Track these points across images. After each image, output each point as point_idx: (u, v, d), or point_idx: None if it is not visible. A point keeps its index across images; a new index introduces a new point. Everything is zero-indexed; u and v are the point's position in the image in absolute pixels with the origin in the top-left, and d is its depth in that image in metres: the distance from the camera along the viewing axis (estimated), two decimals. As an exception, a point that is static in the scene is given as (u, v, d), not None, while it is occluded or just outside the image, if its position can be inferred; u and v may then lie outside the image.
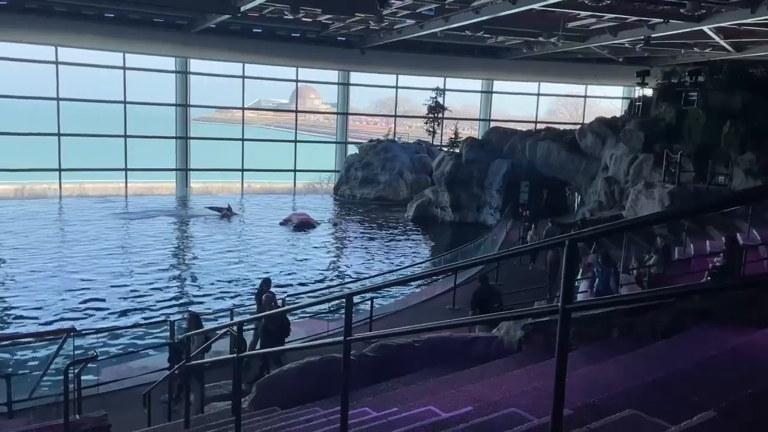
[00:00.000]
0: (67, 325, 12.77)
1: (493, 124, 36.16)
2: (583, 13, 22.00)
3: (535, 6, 19.76)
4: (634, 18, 22.17)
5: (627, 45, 27.59)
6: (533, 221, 20.54)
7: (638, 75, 26.60)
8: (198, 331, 8.42)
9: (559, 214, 22.82)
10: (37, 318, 14.79)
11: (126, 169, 32.12)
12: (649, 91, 26.19)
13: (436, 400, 4.88)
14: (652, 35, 23.34)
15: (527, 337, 7.16)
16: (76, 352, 9.75)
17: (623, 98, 40.91)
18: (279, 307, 10.66)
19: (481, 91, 40.08)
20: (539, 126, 35.33)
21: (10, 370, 10.28)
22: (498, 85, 40.00)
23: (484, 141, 29.83)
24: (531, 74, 37.53)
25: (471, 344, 7.52)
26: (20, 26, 26.50)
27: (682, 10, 19.42)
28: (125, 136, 31.77)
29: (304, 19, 26.60)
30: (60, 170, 30.67)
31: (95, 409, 8.36)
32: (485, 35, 28.01)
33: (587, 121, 31.12)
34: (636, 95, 27.89)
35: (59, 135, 30.12)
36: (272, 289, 12.63)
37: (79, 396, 7.97)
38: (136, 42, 29.26)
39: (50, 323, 14.23)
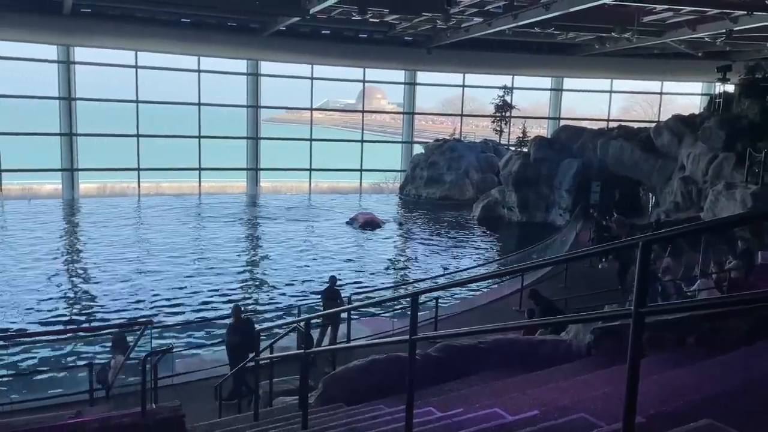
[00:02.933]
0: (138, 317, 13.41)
1: (562, 123, 35.32)
2: (660, 7, 21.17)
3: (608, 0, 19.17)
4: (715, 11, 21.15)
5: (707, 39, 26.35)
6: (605, 216, 20.09)
7: (719, 70, 25.26)
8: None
9: (632, 216, 22.04)
10: (117, 311, 15.57)
11: (200, 169, 33.35)
12: (730, 87, 24.85)
13: (501, 403, 4.82)
14: (735, 28, 22.18)
15: (596, 341, 6.96)
16: (153, 343, 10.21)
17: (702, 95, 39.09)
18: (245, 318, 10.29)
19: (551, 89, 39.22)
20: (611, 124, 34.24)
21: (92, 360, 10.87)
22: (568, 82, 39.03)
23: (554, 140, 29.16)
24: (603, 71, 36.44)
25: (538, 347, 7.38)
26: (102, 31, 27.99)
27: (767, 1, 18.37)
28: (199, 137, 33.00)
29: (371, 19, 26.85)
30: (138, 170, 32.21)
31: (170, 399, 8.74)
32: (555, 32, 27.40)
33: (663, 118, 29.86)
34: (716, 91, 26.50)
35: (138, 136, 31.63)
36: (337, 287, 12.82)
37: (155, 386, 8.33)
38: (210, 45, 30.34)
39: (131, 316, 14.97)
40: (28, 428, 5.87)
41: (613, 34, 26.20)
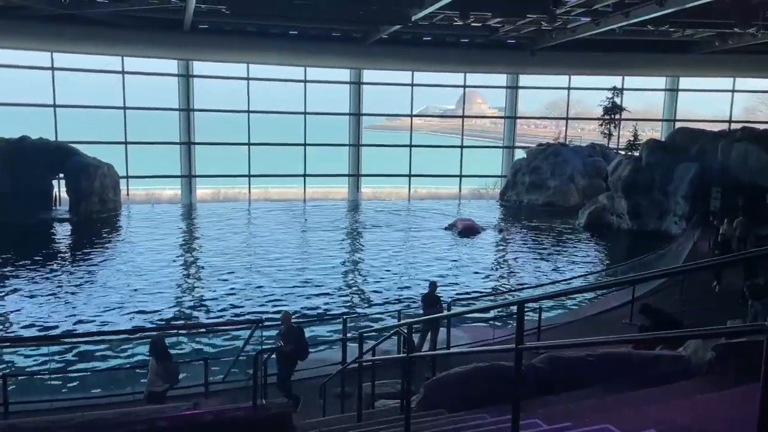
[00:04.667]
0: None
1: (678, 125, 33.30)
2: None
3: (731, -7, 17.90)
4: None
5: None
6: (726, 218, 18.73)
7: None
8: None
9: (758, 225, 20.32)
10: (229, 308, 16.43)
11: (305, 175, 34.54)
12: None
13: (613, 419, 4.59)
14: None
15: (718, 359, 6.47)
16: (264, 341, 10.65)
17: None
18: (294, 326, 9.92)
19: (665, 89, 37.09)
20: (734, 126, 31.86)
21: (207, 354, 11.51)
22: (685, 82, 36.74)
23: (668, 143, 27.53)
24: (724, 69, 34.02)
25: (652, 362, 6.97)
26: (218, 46, 29.75)
27: None
28: (305, 144, 34.19)
29: (473, 24, 26.66)
30: (249, 176, 33.85)
31: (278, 396, 9.09)
32: (670, 29, 25.94)
33: (794, 119, 27.40)
34: None
35: (249, 144, 33.27)
36: (437, 293, 12.79)
37: (265, 382, 8.67)
38: (315, 56, 31.38)
39: (241, 314, 15.76)
40: (149, 417, 6.30)
41: (735, 29, 24.43)
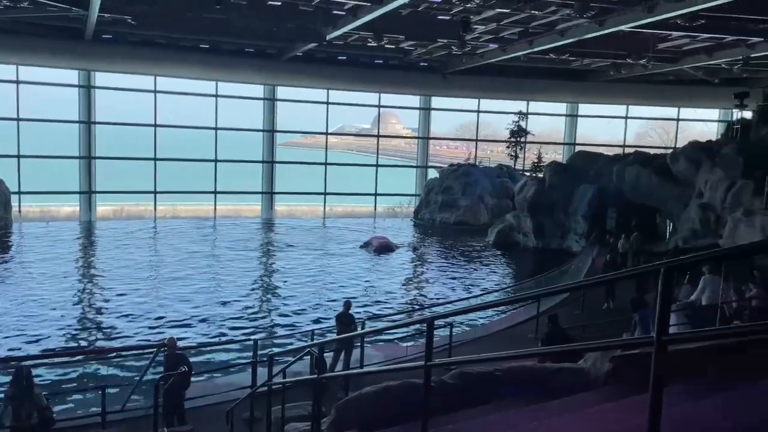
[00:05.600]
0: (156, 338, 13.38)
1: (578, 148, 35.22)
2: (676, 34, 21.18)
3: (624, 27, 19.23)
4: (732, 37, 21.10)
5: (723, 66, 26.26)
6: (621, 234, 20.01)
7: (736, 96, 25.12)
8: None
9: (649, 242, 21.76)
10: (128, 335, 15.58)
11: (216, 192, 33.62)
12: (748, 114, 24.69)
13: (518, 432, 4.70)
14: (752, 55, 22.10)
15: (615, 370, 6.80)
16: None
17: (719, 121, 38.86)
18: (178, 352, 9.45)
19: (566, 115, 39.23)
20: (628, 150, 34.09)
21: (103, 382, 10.83)
22: (584, 108, 39.03)
23: (569, 165, 29.05)
24: (619, 97, 36.45)
25: (555, 375, 7.22)
26: (122, 56, 28.59)
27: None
28: (215, 161, 33.32)
29: (387, 45, 27.14)
30: (155, 192, 32.53)
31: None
32: (570, 58, 27.51)
33: (680, 144, 29.69)
34: (734, 118, 26.34)
35: (155, 159, 32.03)
36: (352, 312, 12.72)
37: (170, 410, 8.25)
38: (228, 70, 30.80)
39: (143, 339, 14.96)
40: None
41: (628, 60, 26.25)
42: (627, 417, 4.73)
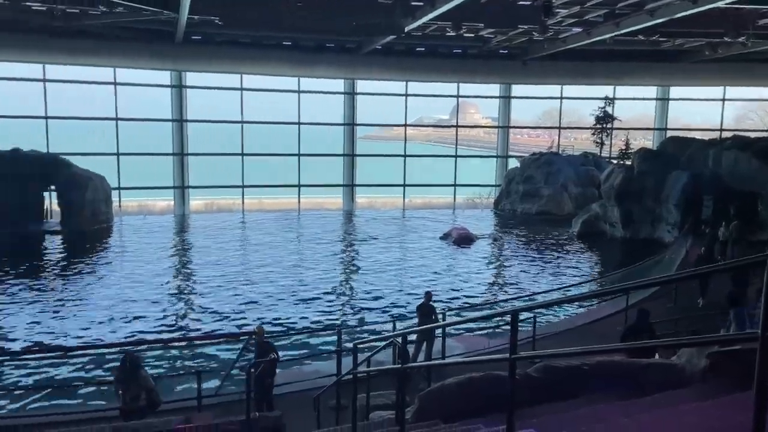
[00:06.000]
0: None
1: (670, 134, 33.50)
2: (779, 7, 19.70)
3: (720, 4, 18.07)
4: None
5: (834, 39, 24.15)
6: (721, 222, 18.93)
7: None
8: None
9: (750, 231, 20.42)
10: (225, 319, 16.32)
11: (299, 185, 34.52)
12: None
13: (607, 428, 4.58)
14: None
15: (713, 366, 6.46)
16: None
17: (829, 100, 35.84)
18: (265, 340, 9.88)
19: (656, 99, 37.35)
20: (725, 134, 32.08)
21: (200, 367, 11.42)
22: (675, 91, 37.02)
23: (659, 151, 27.69)
24: (714, 78, 34.31)
25: (646, 370, 6.96)
26: (210, 56, 29.82)
27: None
28: (299, 155, 34.18)
29: (465, 34, 26.82)
30: (243, 186, 33.80)
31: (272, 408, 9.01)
32: (660, 39, 26.16)
33: (784, 126, 27.65)
34: None
35: (242, 155, 33.25)
36: (432, 303, 12.75)
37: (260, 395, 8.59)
38: (309, 66, 31.44)
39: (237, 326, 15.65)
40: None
41: (725, 39, 24.66)
42: (729, 414, 4.50)
